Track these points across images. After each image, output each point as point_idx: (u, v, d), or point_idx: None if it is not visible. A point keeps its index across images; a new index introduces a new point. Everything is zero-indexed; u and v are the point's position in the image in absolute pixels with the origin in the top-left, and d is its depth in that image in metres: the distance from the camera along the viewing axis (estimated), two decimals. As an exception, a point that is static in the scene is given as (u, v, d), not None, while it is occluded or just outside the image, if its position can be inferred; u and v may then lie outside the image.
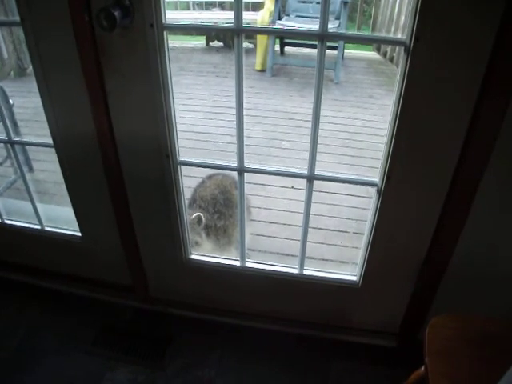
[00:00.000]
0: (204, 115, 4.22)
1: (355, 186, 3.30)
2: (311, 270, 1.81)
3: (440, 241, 1.53)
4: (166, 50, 1.31)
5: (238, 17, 1.23)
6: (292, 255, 2.61)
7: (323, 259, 2.62)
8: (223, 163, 1.65)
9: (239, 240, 1.77)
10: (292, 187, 3.22)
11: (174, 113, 1.45)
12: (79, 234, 1.95)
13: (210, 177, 2.51)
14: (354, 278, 1.78)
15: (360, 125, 4.17)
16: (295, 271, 1.81)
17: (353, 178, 1.56)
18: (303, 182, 3.14)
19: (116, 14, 1.16)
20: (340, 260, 2.63)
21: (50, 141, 1.64)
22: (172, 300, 2.07)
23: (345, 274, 1.80)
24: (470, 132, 1.27)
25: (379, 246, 1.61)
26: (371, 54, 5.83)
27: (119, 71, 1.37)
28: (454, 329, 1.33)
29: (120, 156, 1.58)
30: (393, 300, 1.80)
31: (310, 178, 1.52)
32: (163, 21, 1.25)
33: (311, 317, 1.96)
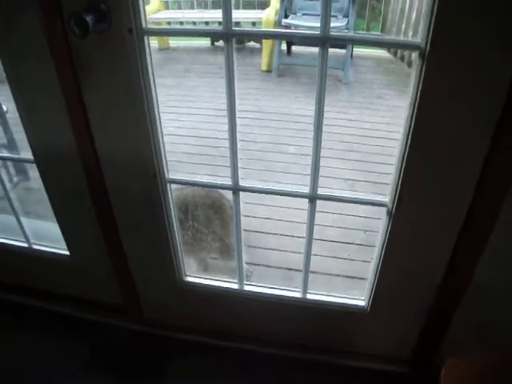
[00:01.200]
0: (207, 118, 4.07)
1: (359, 193, 3.17)
2: (315, 294, 1.66)
3: (456, 267, 1.37)
4: (148, 56, 1.17)
5: (228, 19, 1.08)
6: (296, 269, 2.47)
7: (329, 274, 2.47)
8: (217, 181, 1.50)
9: (236, 263, 1.63)
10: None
11: (161, 128, 1.31)
12: (67, 253, 1.83)
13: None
14: (362, 303, 1.63)
15: (368, 128, 4.00)
16: (298, 295, 1.66)
17: (360, 198, 1.40)
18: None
19: (88, 19, 1.02)
20: (347, 275, 2.48)
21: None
22: (167, 322, 1.93)
23: (352, 299, 1.65)
24: (493, 148, 1.12)
25: (389, 271, 1.46)
26: (381, 52, 5.66)
27: (98, 82, 1.23)
28: (471, 370, 1.19)
29: (104, 174, 1.45)
30: (404, 326, 1.65)
31: (313, 198, 1.37)
32: (143, 25, 1.11)
33: (313, 340, 1.81)
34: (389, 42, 4.68)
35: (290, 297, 1.67)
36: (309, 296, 1.66)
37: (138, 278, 1.77)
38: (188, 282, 1.73)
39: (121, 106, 1.26)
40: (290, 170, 3.36)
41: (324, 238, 2.71)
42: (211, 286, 1.72)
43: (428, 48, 1.00)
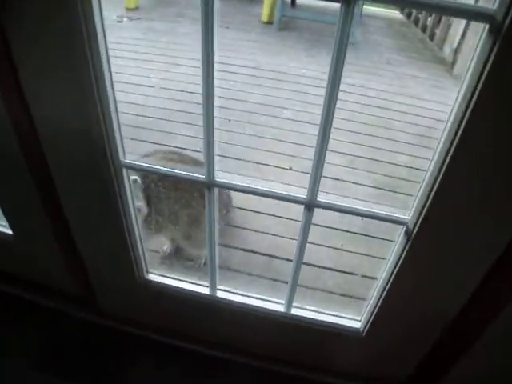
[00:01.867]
0: (197, 71, 3.66)
1: (358, 171, 2.86)
2: (301, 309, 1.37)
3: (477, 308, 1.08)
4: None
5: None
6: (281, 258, 2.18)
7: (318, 265, 2.18)
8: (189, 173, 1.16)
9: (209, 265, 1.32)
10: (290, 168, 2.74)
11: (114, 97, 0.97)
12: (11, 232, 1.51)
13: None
14: (357, 325, 1.35)
15: (373, 96, 3.64)
16: (280, 309, 1.37)
17: (377, 213, 1.05)
18: (303, 163, 2.67)
19: None
20: (339, 268, 2.20)
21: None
22: (126, 317, 1.64)
23: (345, 318, 1.36)
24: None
25: (397, 297, 1.17)
26: (394, 13, 5.21)
27: (29, 34, 0.88)
28: None
29: (44, 147, 1.11)
30: (402, 355, 1.38)
31: (310, 205, 1.05)
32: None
33: (292, 354, 1.54)
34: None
35: (271, 310, 1.38)
36: (293, 311, 1.36)
37: (92, 268, 1.47)
38: (150, 280, 1.43)
39: (58, 65, 0.91)
40: (283, 138, 3.01)
41: (315, 222, 2.40)
42: (178, 288, 1.42)
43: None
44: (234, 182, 1.09)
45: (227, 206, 2.17)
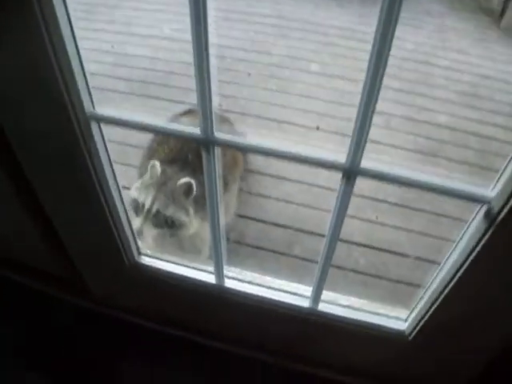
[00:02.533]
0: (214, 21, 3.31)
1: (396, 132, 2.51)
2: (331, 305, 1.08)
3: None
4: None
5: None
6: (306, 231, 1.89)
7: (347, 241, 1.89)
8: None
9: (213, 247, 1.03)
10: (317, 128, 2.42)
11: (74, 40, 0.67)
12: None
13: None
14: (402, 327, 1.05)
15: (411, 49, 3.24)
16: (305, 303, 1.08)
17: (440, 185, 0.73)
18: (333, 123, 2.33)
19: None
20: (373, 245, 1.90)
21: None
22: (119, 303, 1.38)
23: (386, 317, 1.07)
24: None
25: (463, 299, 0.86)
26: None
27: None
28: None
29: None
30: (451, 369, 1.09)
31: (351, 172, 0.74)
32: None
33: (310, 352, 1.26)
34: None
35: (294, 306, 1.09)
36: (321, 306, 1.07)
37: (72, 249, 1.20)
38: (142, 264, 1.15)
39: None
40: (310, 94, 2.67)
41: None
42: (175, 274, 1.14)
43: None
44: (243, 141, 0.79)
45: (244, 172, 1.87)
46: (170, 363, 1.36)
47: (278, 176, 2.11)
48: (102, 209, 0.96)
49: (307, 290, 1.07)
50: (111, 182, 0.93)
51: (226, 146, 0.80)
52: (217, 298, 1.13)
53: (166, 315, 1.33)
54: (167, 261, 1.16)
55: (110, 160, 0.90)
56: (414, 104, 2.69)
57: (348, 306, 1.11)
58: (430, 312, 0.94)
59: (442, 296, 0.88)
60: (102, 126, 0.84)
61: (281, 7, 3.56)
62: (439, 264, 0.89)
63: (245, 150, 0.88)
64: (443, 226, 1.95)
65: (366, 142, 0.69)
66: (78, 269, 1.28)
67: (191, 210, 1.53)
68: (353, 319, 1.07)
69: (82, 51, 0.72)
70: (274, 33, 3.21)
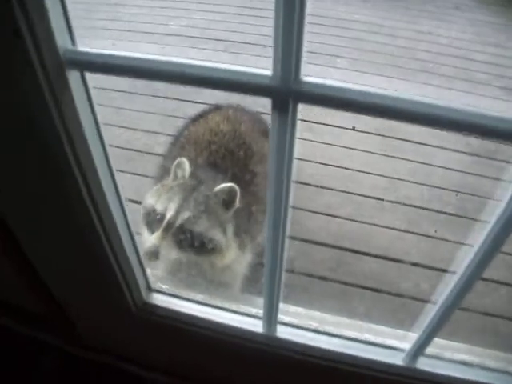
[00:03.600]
0: (225, 17, 3.00)
1: (443, 132, 2.16)
2: (430, 359, 0.71)
3: None
4: None
5: None
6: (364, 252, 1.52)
7: (404, 261, 1.52)
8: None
9: (265, 282, 0.66)
10: (353, 129, 2.06)
11: None
12: None
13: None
14: None
15: (446, 43, 2.93)
16: (398, 361, 0.71)
17: None
18: (370, 122, 1.97)
19: None
20: (436, 265, 1.53)
21: None
22: (117, 353, 1.01)
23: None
24: None
25: None
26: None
27: None
28: None
29: None
30: None
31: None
32: None
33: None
34: None
35: (381, 363, 0.72)
36: (420, 363, 0.70)
37: (53, 284, 0.83)
38: (154, 305, 0.78)
39: None
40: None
41: (396, 199, 1.73)
42: (200, 319, 0.77)
43: None
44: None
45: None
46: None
47: (316, 185, 1.75)
48: (95, 232, 0.60)
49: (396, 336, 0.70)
50: (110, 192, 0.57)
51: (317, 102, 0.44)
52: (260, 353, 0.76)
53: (181, 369, 0.96)
54: (188, 300, 0.79)
55: (109, 166, 0.54)
56: (458, 101, 2.33)
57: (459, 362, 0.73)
58: None
59: None
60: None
61: None
62: None
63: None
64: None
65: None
66: (55, 301, 0.91)
67: (230, 229, 1.09)
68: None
69: None
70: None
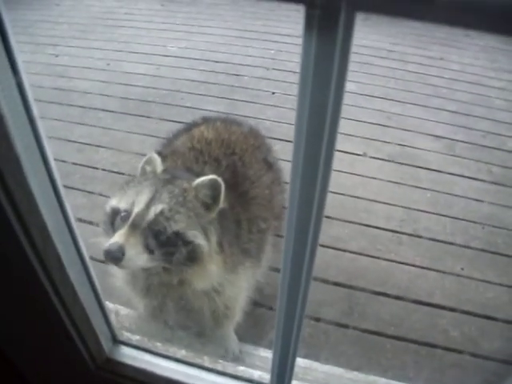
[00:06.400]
0: (225, 40, 2.88)
1: (462, 159, 1.98)
2: None
3: None
4: None
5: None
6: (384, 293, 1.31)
7: (431, 304, 1.31)
8: None
9: (276, 323, 0.46)
10: (364, 154, 1.88)
11: None
12: None
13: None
14: None
15: (458, 69, 2.79)
16: None
17: None
18: (382, 148, 1.83)
19: None
20: (465, 308, 1.32)
21: None
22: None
23: None
24: None
25: None
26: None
27: None
28: None
29: None
30: None
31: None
32: None
33: None
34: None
35: None
36: None
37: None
38: (119, 363, 0.58)
39: None
40: (349, 115, 2.16)
41: (416, 232, 1.53)
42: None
43: None
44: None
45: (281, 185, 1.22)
46: None
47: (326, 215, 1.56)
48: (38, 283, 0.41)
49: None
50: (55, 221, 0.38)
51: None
52: None
53: None
54: (165, 356, 0.58)
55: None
56: (473, 127, 2.18)
57: None
58: None
59: None
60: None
61: (300, 26, 3.12)
62: None
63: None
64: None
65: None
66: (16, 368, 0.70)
67: (213, 233, 0.84)
68: None
69: None
70: (295, 51, 2.74)
